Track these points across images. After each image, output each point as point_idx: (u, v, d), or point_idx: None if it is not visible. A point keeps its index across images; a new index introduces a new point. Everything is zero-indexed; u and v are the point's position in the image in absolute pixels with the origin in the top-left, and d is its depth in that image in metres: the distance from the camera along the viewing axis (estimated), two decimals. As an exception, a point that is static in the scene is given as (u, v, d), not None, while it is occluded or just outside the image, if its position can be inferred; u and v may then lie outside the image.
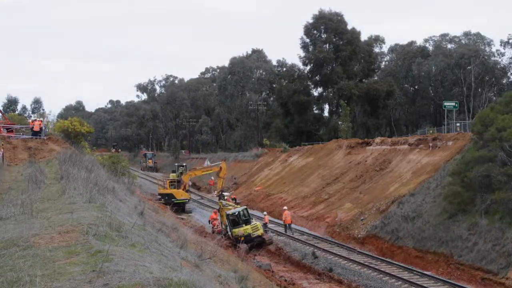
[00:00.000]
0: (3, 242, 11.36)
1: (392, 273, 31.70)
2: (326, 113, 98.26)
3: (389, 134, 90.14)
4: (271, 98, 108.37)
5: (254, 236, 38.17)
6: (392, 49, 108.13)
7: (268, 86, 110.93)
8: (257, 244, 38.53)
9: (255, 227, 38.55)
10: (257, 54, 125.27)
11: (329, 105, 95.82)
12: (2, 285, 8.43)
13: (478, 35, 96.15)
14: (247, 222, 38.77)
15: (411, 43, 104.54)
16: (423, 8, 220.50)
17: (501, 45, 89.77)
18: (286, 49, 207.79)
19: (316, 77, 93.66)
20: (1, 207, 16.24)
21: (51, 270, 9.19)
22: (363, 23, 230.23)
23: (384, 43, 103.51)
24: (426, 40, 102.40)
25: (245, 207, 42.13)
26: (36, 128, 39.41)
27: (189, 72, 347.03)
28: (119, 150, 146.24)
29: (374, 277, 31.60)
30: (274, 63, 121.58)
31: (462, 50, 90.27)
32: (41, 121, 43.56)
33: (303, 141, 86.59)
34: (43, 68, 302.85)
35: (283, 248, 39.48)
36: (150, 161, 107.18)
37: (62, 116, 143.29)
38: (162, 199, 53.10)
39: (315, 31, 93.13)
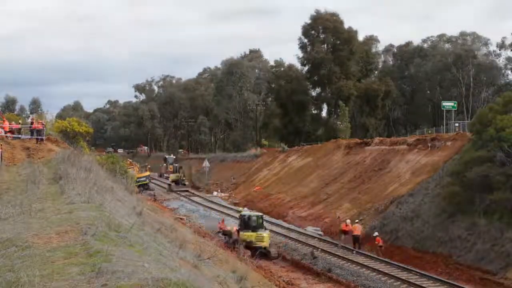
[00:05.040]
0: (1, 243, 11.33)
1: (391, 273, 31.67)
2: (324, 113, 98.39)
3: (388, 134, 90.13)
4: (269, 98, 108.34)
5: (255, 245, 36.25)
6: (388, 49, 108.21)
7: (266, 86, 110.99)
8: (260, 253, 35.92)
9: (259, 237, 36.89)
10: (254, 54, 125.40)
11: (327, 105, 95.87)
12: (1, 286, 8.40)
13: (474, 34, 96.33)
14: (255, 229, 37.35)
15: (408, 43, 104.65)
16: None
17: (497, 46, 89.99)
18: (285, 49, 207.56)
19: (314, 77, 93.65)
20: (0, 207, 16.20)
21: (49, 270, 9.17)
22: (358, 22, 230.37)
23: (378, 41, 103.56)
24: (424, 41, 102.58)
25: (261, 214, 40.29)
26: (40, 127, 38.89)
27: (187, 72, 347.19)
28: (117, 150, 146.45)
29: (373, 277, 31.57)
30: (272, 63, 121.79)
31: (459, 50, 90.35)
32: (41, 122, 43.34)
33: (302, 141, 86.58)
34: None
35: (282, 248, 39.47)
36: (171, 167, 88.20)
37: (61, 116, 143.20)
38: None
39: (312, 31, 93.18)
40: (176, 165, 79.12)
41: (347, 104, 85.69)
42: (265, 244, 36.87)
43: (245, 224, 37.78)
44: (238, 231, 38.07)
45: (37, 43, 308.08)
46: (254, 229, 37.30)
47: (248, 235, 36.85)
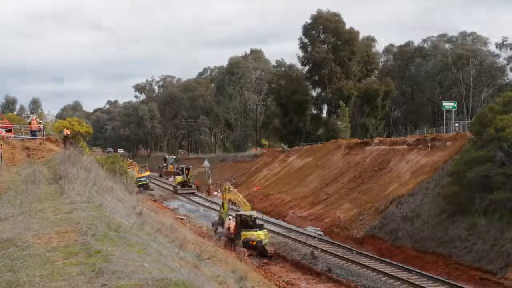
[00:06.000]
0: (1, 243, 11.33)
1: (391, 273, 31.70)
2: (324, 113, 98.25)
3: (388, 134, 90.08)
4: (270, 98, 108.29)
5: (253, 243, 37.47)
6: (388, 50, 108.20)
7: (266, 86, 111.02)
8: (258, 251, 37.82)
9: (257, 235, 37.95)
10: (256, 54, 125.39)
11: (327, 105, 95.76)
12: (1, 286, 8.41)
13: (474, 34, 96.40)
14: (253, 228, 38.50)
15: (409, 43, 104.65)
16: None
17: (496, 47, 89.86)
18: (285, 49, 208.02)
19: (315, 77, 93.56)
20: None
21: (49, 270, 9.17)
22: (359, 22, 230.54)
23: (376, 41, 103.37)
24: (424, 41, 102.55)
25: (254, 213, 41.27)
26: (36, 127, 39.15)
27: (187, 72, 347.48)
28: (117, 150, 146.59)
29: (373, 277, 31.60)
30: (273, 63, 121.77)
31: (460, 50, 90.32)
32: (36, 120, 43.44)
33: (302, 141, 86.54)
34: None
35: (282, 248, 39.48)
36: (171, 166, 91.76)
37: (61, 116, 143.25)
38: None
39: (313, 31, 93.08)
40: (183, 166, 76.90)
41: (347, 104, 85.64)
42: (264, 241, 37.94)
43: (243, 223, 38.63)
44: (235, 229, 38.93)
45: (35, 40, 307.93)
46: (252, 228, 38.29)
47: (247, 233, 37.70)
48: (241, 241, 36.68)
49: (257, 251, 37.43)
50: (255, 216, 40.46)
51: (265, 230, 38.99)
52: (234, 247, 34.81)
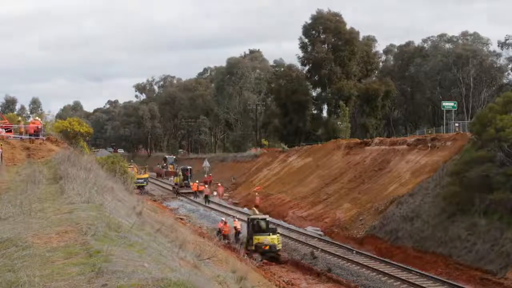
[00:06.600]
0: (1, 243, 11.33)
1: (391, 273, 31.69)
2: (324, 113, 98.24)
3: (388, 134, 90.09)
4: (269, 98, 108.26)
5: (266, 248, 36.70)
6: (389, 49, 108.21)
7: (266, 86, 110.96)
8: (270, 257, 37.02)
9: (271, 240, 37.06)
10: (254, 54, 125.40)
11: (327, 105, 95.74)
12: (1, 286, 8.41)
13: (475, 35, 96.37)
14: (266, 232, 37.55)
15: (409, 43, 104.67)
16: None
17: (498, 45, 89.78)
18: (285, 49, 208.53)
19: (315, 77, 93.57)
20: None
21: (49, 270, 9.18)
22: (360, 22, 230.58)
23: (376, 41, 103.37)
24: (424, 41, 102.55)
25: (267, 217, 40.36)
26: (30, 131, 38.67)
27: (186, 73, 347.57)
28: (117, 150, 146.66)
29: (373, 277, 31.59)
30: (272, 63, 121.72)
31: (460, 50, 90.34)
32: (38, 121, 43.26)
33: (302, 141, 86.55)
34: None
35: (282, 248, 39.46)
36: (171, 166, 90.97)
37: (61, 116, 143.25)
38: None
39: (313, 31, 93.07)
40: (183, 167, 76.41)
41: (347, 104, 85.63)
42: (278, 247, 37.14)
43: (256, 227, 37.66)
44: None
45: (35, 38, 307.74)
46: (265, 232, 37.33)
47: (258, 238, 36.93)
48: (254, 245, 36.38)
49: (266, 255, 36.58)
50: (268, 219, 39.56)
51: (278, 234, 37.84)
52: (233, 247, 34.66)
